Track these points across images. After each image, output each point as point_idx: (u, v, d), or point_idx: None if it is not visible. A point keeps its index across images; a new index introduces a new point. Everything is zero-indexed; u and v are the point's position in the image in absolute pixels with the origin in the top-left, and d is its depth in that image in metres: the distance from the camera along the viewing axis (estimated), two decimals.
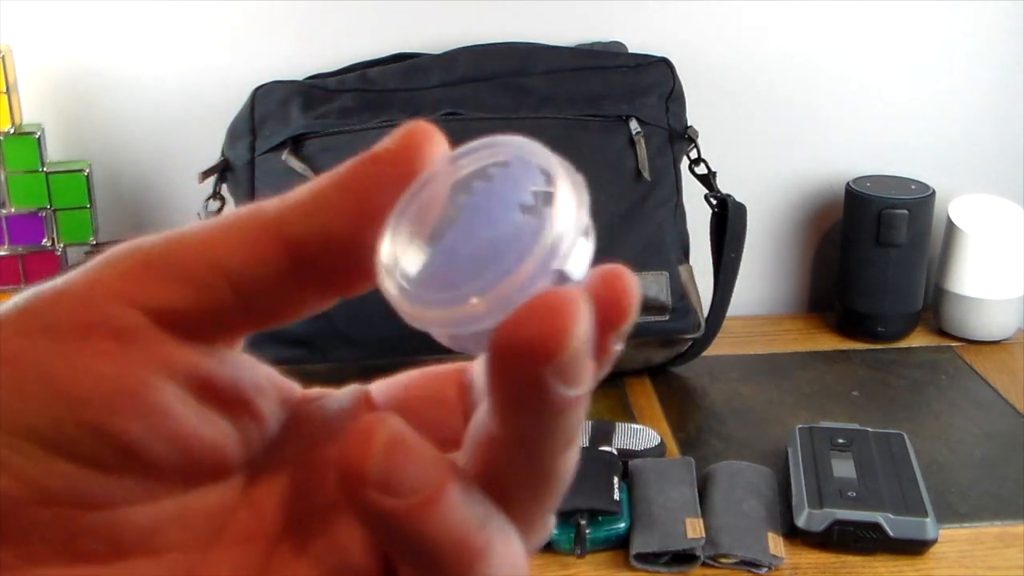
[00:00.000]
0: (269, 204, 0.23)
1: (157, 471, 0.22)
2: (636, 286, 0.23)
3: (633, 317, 0.23)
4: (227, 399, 0.23)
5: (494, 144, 0.26)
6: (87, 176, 1.09)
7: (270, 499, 0.24)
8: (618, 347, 0.22)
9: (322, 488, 0.23)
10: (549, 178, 0.24)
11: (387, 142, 0.23)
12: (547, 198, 0.24)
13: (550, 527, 0.24)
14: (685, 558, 0.80)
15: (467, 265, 0.22)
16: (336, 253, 0.23)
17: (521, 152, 0.25)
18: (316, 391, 0.26)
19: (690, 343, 1.06)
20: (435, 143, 0.24)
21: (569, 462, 0.22)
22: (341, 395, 0.26)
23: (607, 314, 0.22)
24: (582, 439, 0.92)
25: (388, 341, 0.96)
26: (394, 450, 0.20)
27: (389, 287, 0.23)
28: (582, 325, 0.20)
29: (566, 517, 0.81)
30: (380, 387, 0.26)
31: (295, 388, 0.26)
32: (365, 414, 0.24)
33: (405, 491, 0.20)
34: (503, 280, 0.21)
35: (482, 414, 0.22)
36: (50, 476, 0.21)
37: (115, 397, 0.21)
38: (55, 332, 0.22)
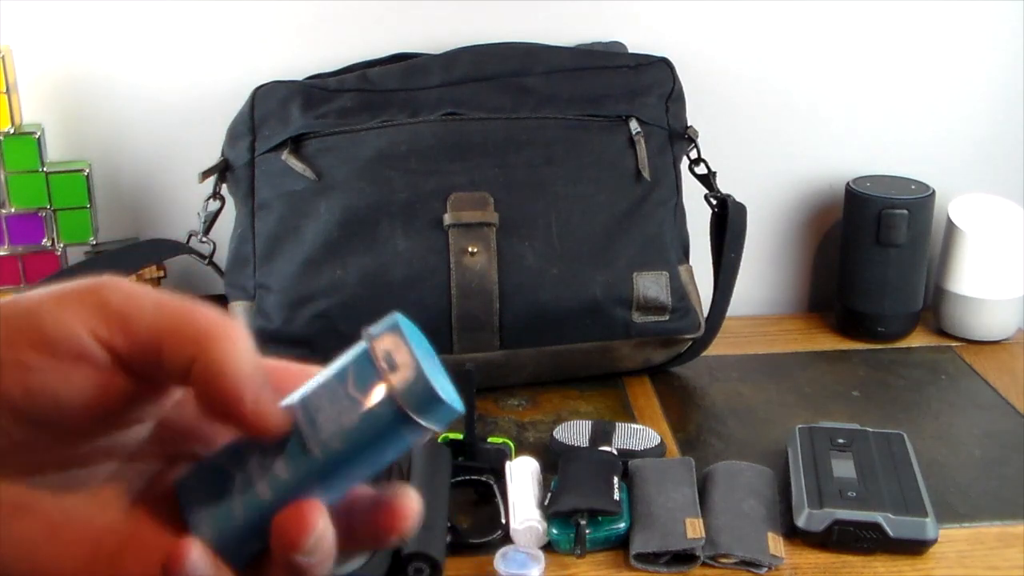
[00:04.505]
0: (206, 323, 0.34)
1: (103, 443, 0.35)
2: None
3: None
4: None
5: None
6: (87, 176, 1.09)
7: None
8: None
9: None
10: None
11: (251, 406, 0.34)
12: None
13: None
14: (685, 558, 0.80)
15: None
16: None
17: None
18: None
19: (690, 343, 1.06)
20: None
21: None
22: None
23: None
24: (582, 439, 0.92)
25: None
26: (320, 540, 0.34)
27: None
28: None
29: (566, 517, 0.81)
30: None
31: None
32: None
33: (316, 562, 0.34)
34: None
35: None
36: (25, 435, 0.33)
37: (88, 406, 0.33)
38: (41, 349, 0.33)
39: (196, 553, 0.33)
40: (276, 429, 0.35)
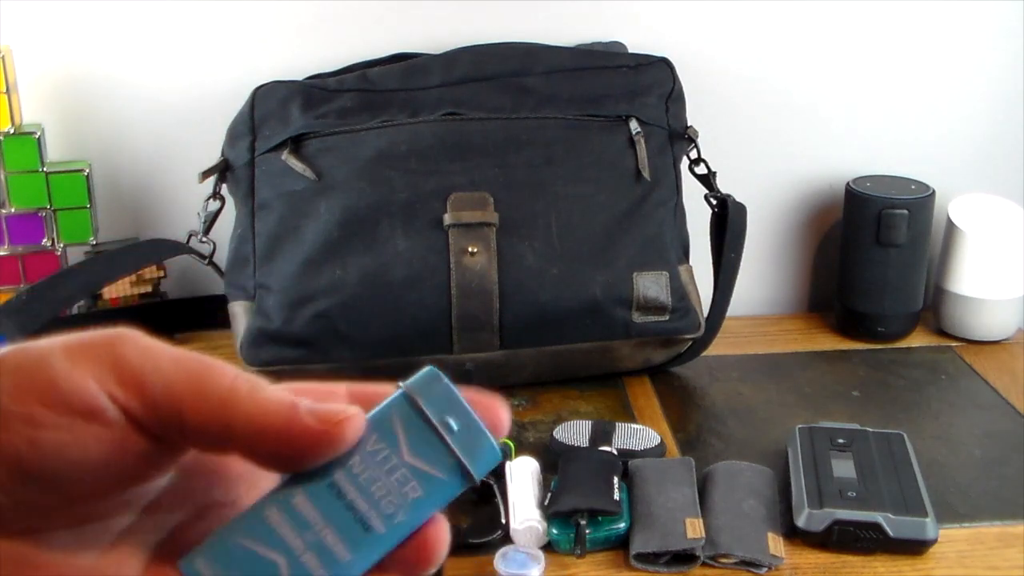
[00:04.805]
0: (231, 382, 0.32)
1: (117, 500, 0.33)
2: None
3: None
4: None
5: None
6: (87, 176, 1.09)
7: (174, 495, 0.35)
8: None
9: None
10: None
11: (314, 421, 0.32)
12: None
13: None
14: (685, 558, 0.80)
15: None
16: (241, 455, 0.33)
17: None
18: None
19: (690, 343, 1.06)
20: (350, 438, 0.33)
21: None
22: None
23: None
24: (582, 439, 0.92)
25: (387, 342, 0.96)
26: None
27: None
28: None
29: (566, 517, 0.81)
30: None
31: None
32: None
33: None
34: None
35: None
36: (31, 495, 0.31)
37: (100, 466, 0.31)
38: (51, 404, 0.30)
39: None
40: (354, 428, 0.32)
